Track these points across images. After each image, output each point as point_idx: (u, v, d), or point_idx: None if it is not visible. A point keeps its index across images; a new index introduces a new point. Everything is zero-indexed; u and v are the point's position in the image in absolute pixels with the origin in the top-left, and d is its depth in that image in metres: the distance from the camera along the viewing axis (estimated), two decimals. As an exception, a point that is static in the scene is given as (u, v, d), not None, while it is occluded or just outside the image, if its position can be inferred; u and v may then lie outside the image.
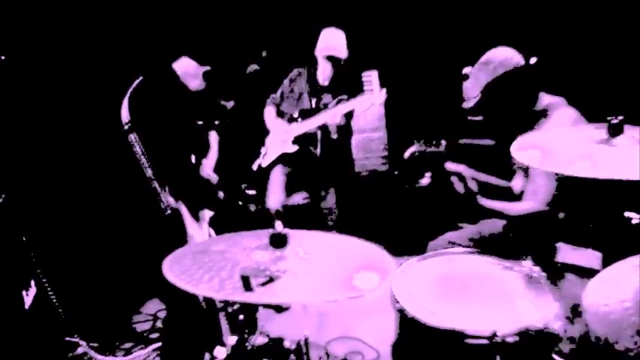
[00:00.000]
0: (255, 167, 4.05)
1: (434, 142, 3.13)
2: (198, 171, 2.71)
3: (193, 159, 2.70)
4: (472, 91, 2.54)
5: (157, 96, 2.49)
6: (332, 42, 3.82)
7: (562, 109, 2.42)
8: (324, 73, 3.87)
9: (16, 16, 3.11)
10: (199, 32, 2.70)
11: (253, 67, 4.32)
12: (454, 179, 2.74)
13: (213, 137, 3.04)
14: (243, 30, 4.10)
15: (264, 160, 4.00)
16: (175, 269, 1.52)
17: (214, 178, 2.82)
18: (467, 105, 2.56)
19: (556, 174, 2.31)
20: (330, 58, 3.79)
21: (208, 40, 2.68)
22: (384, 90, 4.15)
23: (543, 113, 2.43)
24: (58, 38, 3.31)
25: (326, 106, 3.86)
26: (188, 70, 2.58)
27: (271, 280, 1.44)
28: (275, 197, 3.84)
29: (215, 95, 3.02)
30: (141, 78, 2.53)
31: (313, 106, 3.89)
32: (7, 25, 3.03)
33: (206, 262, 1.55)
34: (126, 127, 2.48)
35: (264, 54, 4.28)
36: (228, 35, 2.80)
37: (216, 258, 1.58)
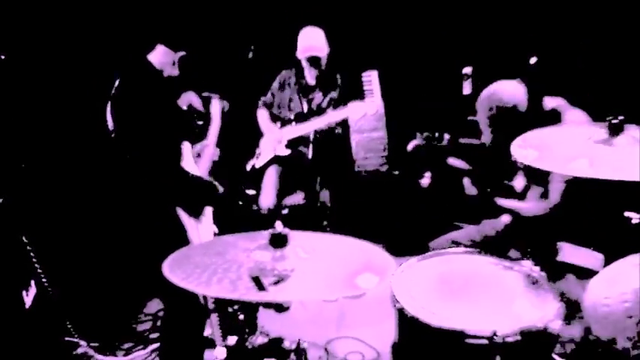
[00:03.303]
0: (248, 168, 4.08)
1: (437, 136, 3.12)
2: (194, 169, 2.67)
3: (190, 147, 2.64)
4: (486, 133, 2.56)
5: (139, 94, 2.42)
6: (310, 42, 3.84)
7: (573, 110, 2.45)
8: (310, 73, 3.90)
9: (16, 16, 3.11)
10: (171, 17, 2.60)
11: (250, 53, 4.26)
12: (466, 182, 2.75)
13: (215, 106, 2.92)
14: (218, 14, 4.06)
15: (257, 161, 4.03)
16: (179, 273, 1.52)
17: (215, 154, 2.78)
18: (485, 140, 2.58)
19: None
20: (311, 59, 3.81)
21: (181, 25, 2.59)
22: (378, 99, 4.18)
23: (555, 116, 2.45)
24: (57, 38, 3.31)
25: (318, 107, 3.89)
26: (164, 59, 2.51)
27: (281, 279, 1.46)
28: (267, 197, 3.87)
29: (200, 86, 2.91)
30: (119, 79, 2.48)
31: (305, 108, 3.93)
32: (7, 25, 3.03)
33: (209, 265, 1.56)
34: (112, 134, 2.46)
35: (250, 55, 4.25)
36: (201, 20, 2.72)
37: (218, 260, 1.58)
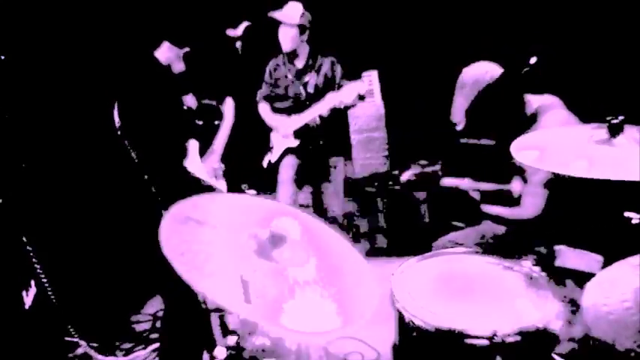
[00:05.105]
0: (265, 164, 4.03)
1: (429, 162, 3.13)
2: (199, 175, 2.67)
3: (196, 145, 2.63)
4: (457, 115, 2.51)
5: (146, 90, 2.43)
6: (284, 14, 3.74)
7: (551, 112, 2.42)
8: (287, 47, 3.79)
9: (16, 16, 3.11)
10: (174, 14, 2.61)
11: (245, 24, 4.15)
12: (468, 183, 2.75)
13: (229, 104, 2.92)
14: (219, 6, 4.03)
15: (272, 156, 3.97)
16: (172, 248, 1.42)
17: (220, 168, 2.77)
18: (458, 128, 2.54)
19: (553, 174, 2.32)
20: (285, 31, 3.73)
21: (184, 21, 2.59)
22: (378, 99, 4.11)
23: (534, 117, 2.43)
24: (58, 38, 3.31)
25: (315, 87, 3.81)
26: (170, 55, 2.53)
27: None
28: (285, 191, 3.83)
29: (203, 84, 2.91)
30: (126, 76, 2.49)
31: (302, 92, 3.85)
32: (7, 25, 3.03)
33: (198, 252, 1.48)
34: (118, 132, 2.46)
35: (238, 44, 4.17)
36: (202, 14, 2.72)
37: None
